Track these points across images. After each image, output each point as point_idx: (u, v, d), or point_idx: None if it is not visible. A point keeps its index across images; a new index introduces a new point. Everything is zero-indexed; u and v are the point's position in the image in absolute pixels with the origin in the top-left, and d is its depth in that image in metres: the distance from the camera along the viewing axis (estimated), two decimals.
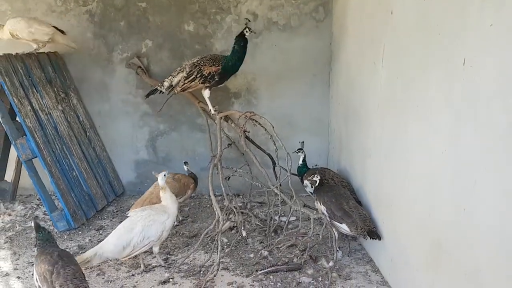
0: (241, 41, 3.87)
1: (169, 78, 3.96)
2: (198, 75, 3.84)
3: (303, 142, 4.42)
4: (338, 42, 4.41)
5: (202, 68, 3.83)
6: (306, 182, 3.99)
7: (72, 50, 4.66)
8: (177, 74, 3.93)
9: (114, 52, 4.82)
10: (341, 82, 4.36)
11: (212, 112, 4.10)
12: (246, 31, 3.84)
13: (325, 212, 3.37)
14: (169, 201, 3.35)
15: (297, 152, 4.10)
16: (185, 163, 4.35)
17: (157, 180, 3.41)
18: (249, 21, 3.98)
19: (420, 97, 2.45)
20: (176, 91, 3.95)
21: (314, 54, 4.75)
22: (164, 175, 3.37)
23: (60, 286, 2.40)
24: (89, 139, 4.79)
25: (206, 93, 3.99)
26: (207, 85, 3.92)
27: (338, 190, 3.47)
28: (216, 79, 3.89)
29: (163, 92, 4.02)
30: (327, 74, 4.79)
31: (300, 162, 4.11)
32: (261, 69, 4.78)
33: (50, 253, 2.59)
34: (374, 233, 3.10)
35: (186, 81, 3.87)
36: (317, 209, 3.54)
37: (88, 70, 4.85)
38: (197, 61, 3.88)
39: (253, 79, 4.86)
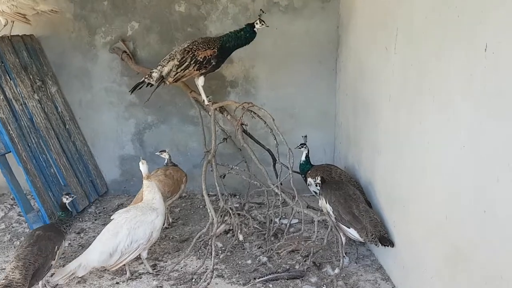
0: (250, 33, 3.82)
1: (158, 68, 3.90)
2: (192, 62, 3.82)
3: (306, 136, 4.42)
4: (346, 25, 4.39)
5: (196, 53, 3.80)
6: (309, 180, 4.00)
7: (50, 34, 4.64)
8: (167, 62, 3.88)
9: (96, 35, 4.79)
10: (349, 69, 4.35)
11: (206, 102, 4.08)
12: (257, 23, 3.81)
13: (331, 213, 3.36)
14: (155, 194, 3.36)
15: (299, 148, 4.09)
16: (163, 151, 4.28)
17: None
18: (264, 12, 3.92)
19: (437, 87, 2.45)
20: (168, 82, 3.92)
21: (319, 39, 4.74)
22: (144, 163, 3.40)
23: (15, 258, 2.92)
24: (68, 132, 4.77)
25: (200, 81, 3.98)
26: (203, 71, 3.90)
27: (347, 189, 3.44)
28: (213, 63, 3.87)
29: (152, 85, 3.98)
30: (334, 61, 4.79)
31: (303, 158, 4.09)
32: (260, 55, 4.77)
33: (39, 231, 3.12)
34: (386, 240, 3.09)
35: (179, 70, 3.83)
36: (321, 208, 3.53)
37: (68, 56, 4.83)
38: (189, 45, 3.85)
39: (252, 66, 4.85)
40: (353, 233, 3.22)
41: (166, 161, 4.28)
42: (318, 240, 3.68)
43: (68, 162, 4.58)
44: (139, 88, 4.05)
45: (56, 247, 3.06)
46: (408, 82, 2.86)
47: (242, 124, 3.96)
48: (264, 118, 3.82)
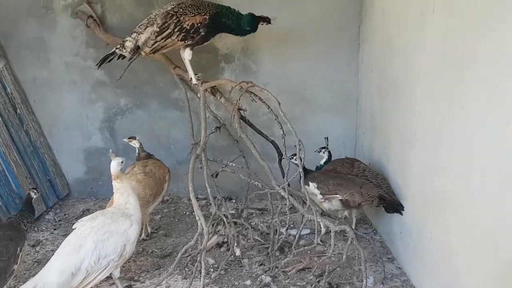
0: (251, 28, 3.99)
1: (133, 35, 3.92)
2: (177, 29, 3.82)
3: (327, 138, 4.39)
4: None
5: (181, 18, 3.81)
6: None
7: None
8: (145, 29, 3.90)
9: None
10: (375, 40, 4.34)
11: (194, 81, 4.09)
12: (262, 24, 4.01)
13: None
14: (129, 197, 3.37)
15: (319, 152, 4.13)
16: (131, 138, 4.33)
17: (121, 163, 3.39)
18: (275, 19, 4.05)
19: (488, 58, 2.44)
20: (144, 53, 3.93)
21: (338, 0, 4.73)
22: (122, 161, 3.39)
23: None
24: (20, 118, 4.79)
25: (186, 54, 3.98)
26: (189, 42, 3.90)
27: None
28: (202, 34, 3.88)
29: (125, 57, 3.99)
30: (356, 28, 4.78)
31: (321, 162, 4.16)
32: None
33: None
34: (391, 203, 3.49)
35: (158, 39, 3.85)
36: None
37: (19, 22, 4.83)
38: (173, 8, 3.85)
39: (252, 36, 4.81)
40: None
41: (137, 151, 4.32)
42: (335, 256, 3.69)
43: (19, 157, 4.59)
44: (109, 61, 4.06)
45: (18, 248, 3.15)
46: (450, 55, 2.85)
47: (239, 109, 3.96)
48: (267, 102, 3.82)
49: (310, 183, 3.92)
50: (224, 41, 4.82)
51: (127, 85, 4.89)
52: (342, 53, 4.85)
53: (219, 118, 4.69)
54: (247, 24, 3.97)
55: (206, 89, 4.10)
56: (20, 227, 3.33)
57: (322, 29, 4.79)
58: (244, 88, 3.78)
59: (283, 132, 3.68)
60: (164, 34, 3.84)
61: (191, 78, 4.10)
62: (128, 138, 4.34)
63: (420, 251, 3.33)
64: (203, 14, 3.83)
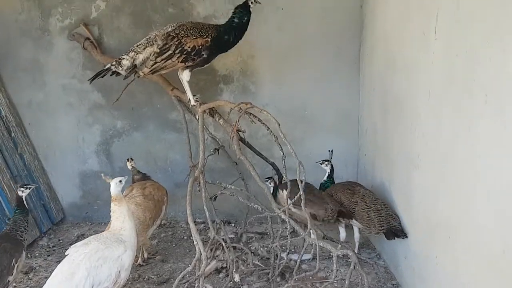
0: (245, 14, 3.90)
1: (131, 54, 3.92)
2: (178, 51, 3.83)
3: (332, 151, 4.41)
4: (373, 2, 4.40)
5: (183, 40, 3.82)
6: None
7: None
8: (144, 49, 3.89)
9: (51, 18, 4.81)
10: (376, 59, 4.34)
11: (192, 102, 4.08)
12: (252, 3, 3.90)
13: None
14: (125, 222, 3.32)
15: (321, 163, 4.10)
16: (129, 160, 4.43)
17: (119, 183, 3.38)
18: None
19: (491, 79, 2.43)
20: (141, 74, 3.92)
21: (338, 20, 4.77)
22: (120, 181, 3.36)
23: None
24: (14, 142, 4.76)
25: (185, 75, 3.98)
26: (189, 64, 3.90)
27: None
28: (204, 56, 3.88)
29: (119, 74, 3.99)
30: (357, 48, 4.80)
31: (325, 178, 4.15)
32: (262, 41, 4.78)
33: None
34: (392, 231, 3.60)
35: (158, 60, 3.84)
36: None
37: (14, 43, 4.84)
38: (174, 30, 3.86)
39: (251, 57, 4.85)
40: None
41: (132, 173, 4.35)
42: (338, 282, 3.63)
43: (13, 181, 4.56)
44: (102, 77, 4.06)
45: (13, 260, 3.23)
46: (453, 75, 2.84)
47: (238, 130, 3.95)
48: (266, 123, 3.80)
49: (284, 190, 3.90)
50: (223, 62, 4.83)
51: (124, 107, 4.89)
52: (342, 73, 4.86)
53: (217, 140, 4.67)
54: (240, 17, 3.91)
55: (205, 111, 4.09)
56: (17, 238, 3.38)
57: (322, 49, 4.81)
58: (243, 109, 3.76)
59: (283, 153, 3.65)
60: (165, 56, 3.84)
61: (189, 99, 4.09)
62: (127, 160, 4.43)
63: (426, 276, 3.27)
64: (204, 36, 3.84)
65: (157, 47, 3.84)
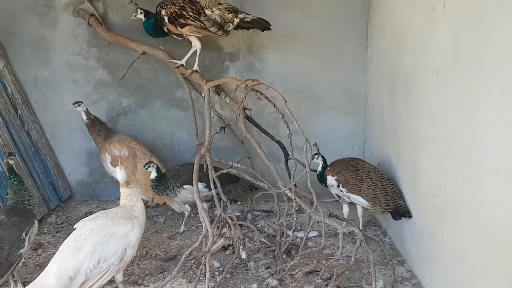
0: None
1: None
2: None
3: (316, 144, 4.26)
4: None
5: None
6: (330, 179, 4.01)
7: None
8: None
9: None
10: (384, 36, 4.32)
11: (182, 63, 4.34)
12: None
13: (334, 182, 3.87)
14: (138, 201, 3.38)
15: (313, 158, 4.03)
16: (78, 103, 4.57)
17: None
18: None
19: (500, 54, 2.41)
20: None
21: None
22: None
23: None
24: (21, 119, 4.78)
25: (198, 44, 4.18)
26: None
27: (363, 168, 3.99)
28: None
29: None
30: (364, 25, 4.77)
31: (319, 169, 4.10)
32: (267, 18, 4.70)
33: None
34: (399, 211, 3.66)
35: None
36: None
37: (20, 20, 4.82)
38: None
39: (257, 34, 4.82)
40: (361, 201, 3.81)
41: (86, 119, 4.53)
42: (344, 259, 3.67)
43: (21, 159, 4.59)
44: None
45: (23, 233, 3.33)
46: (462, 51, 2.83)
47: (244, 108, 3.95)
48: (273, 101, 3.81)
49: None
50: (229, 40, 4.80)
51: (130, 85, 4.90)
52: (349, 51, 4.83)
53: (223, 118, 4.68)
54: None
55: (211, 88, 4.10)
56: (26, 209, 3.48)
57: (329, 26, 4.77)
58: (250, 86, 3.76)
59: (290, 131, 3.66)
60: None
61: (183, 62, 4.37)
62: (74, 103, 4.54)
63: (432, 253, 3.30)
64: None
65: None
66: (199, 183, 3.94)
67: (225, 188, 4.02)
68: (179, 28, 4.13)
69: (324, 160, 4.10)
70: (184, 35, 4.22)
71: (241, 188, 4.46)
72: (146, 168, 4.03)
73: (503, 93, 2.40)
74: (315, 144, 4.21)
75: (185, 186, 4.08)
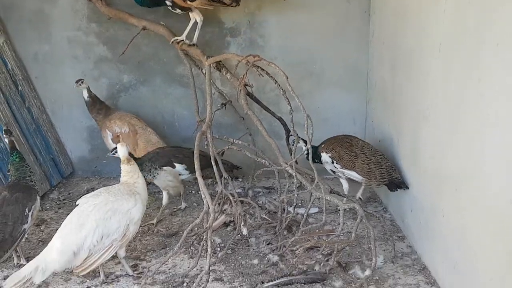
0: None
1: None
2: None
3: (297, 135, 4.05)
4: None
5: None
6: (324, 156, 4.07)
7: None
8: None
9: None
10: (387, 10, 4.27)
11: (182, 38, 4.29)
12: None
13: (328, 159, 3.92)
14: (139, 178, 3.41)
15: (299, 142, 3.90)
16: (80, 81, 4.59)
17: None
18: None
19: (504, 28, 2.39)
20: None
21: None
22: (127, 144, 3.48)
23: None
24: (21, 95, 4.78)
25: (201, 17, 4.14)
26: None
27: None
28: None
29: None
30: (367, 0, 4.71)
31: (306, 153, 3.92)
32: None
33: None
34: (395, 183, 3.73)
35: None
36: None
37: None
38: None
39: (258, 8, 4.77)
40: (355, 175, 3.91)
41: (87, 97, 4.56)
42: (344, 235, 3.69)
43: (22, 135, 4.60)
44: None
45: (26, 209, 3.40)
46: (464, 26, 2.79)
47: (245, 85, 3.93)
48: (274, 77, 3.78)
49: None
50: (230, 14, 4.75)
51: (130, 61, 4.87)
52: (352, 26, 4.78)
53: (224, 94, 4.66)
54: None
55: (211, 64, 4.07)
56: (28, 185, 3.54)
57: (331, 1, 4.72)
58: (251, 62, 3.73)
59: (291, 108, 3.64)
60: None
61: (183, 36, 4.31)
62: (78, 81, 4.55)
63: (432, 229, 3.32)
64: None
65: None
66: (179, 164, 3.98)
67: (205, 173, 3.89)
68: (188, 2, 4.06)
69: (305, 142, 3.95)
70: (192, 8, 4.16)
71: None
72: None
73: (506, 68, 2.38)
74: (297, 135, 3.88)
75: (164, 168, 4.07)
